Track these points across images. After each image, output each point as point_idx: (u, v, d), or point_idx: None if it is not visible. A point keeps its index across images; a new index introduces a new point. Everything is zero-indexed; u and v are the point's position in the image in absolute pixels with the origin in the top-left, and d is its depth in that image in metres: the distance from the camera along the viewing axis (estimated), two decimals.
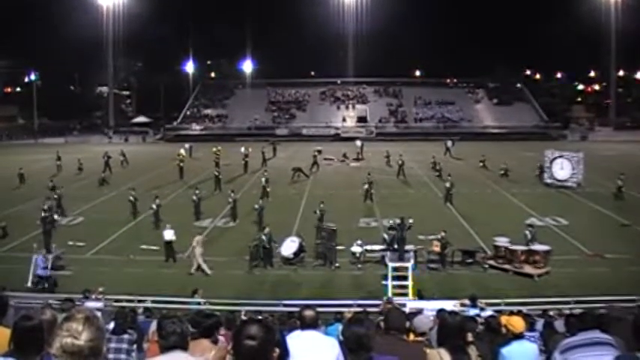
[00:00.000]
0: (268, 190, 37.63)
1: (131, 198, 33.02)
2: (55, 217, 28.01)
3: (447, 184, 37.09)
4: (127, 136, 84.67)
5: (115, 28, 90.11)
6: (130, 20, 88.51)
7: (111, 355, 8.13)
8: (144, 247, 27.49)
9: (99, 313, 3.45)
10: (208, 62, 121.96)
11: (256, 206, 31.14)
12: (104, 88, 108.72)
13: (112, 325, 9.09)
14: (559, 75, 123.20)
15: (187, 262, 25.52)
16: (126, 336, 8.78)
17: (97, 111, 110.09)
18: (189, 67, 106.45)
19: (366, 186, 37.37)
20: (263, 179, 38.75)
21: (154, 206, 31.24)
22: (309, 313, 5.55)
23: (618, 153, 61.51)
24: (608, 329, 6.17)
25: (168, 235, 26.10)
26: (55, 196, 33.62)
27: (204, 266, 24.65)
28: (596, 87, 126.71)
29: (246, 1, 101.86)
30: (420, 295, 20.48)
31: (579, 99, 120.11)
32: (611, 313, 8.16)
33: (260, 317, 11.06)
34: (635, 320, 4.74)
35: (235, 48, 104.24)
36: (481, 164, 50.86)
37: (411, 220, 24.82)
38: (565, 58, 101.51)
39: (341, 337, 5.03)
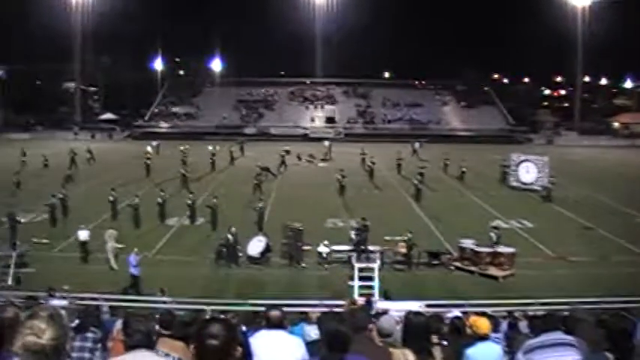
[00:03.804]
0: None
1: (111, 198, 32.27)
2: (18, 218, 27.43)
3: (415, 182, 37.92)
4: (93, 133, 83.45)
5: (84, 23, 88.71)
6: (99, 16, 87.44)
7: (74, 354, 8.00)
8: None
9: (63, 311, 3.40)
10: (177, 60, 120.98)
11: (210, 204, 31.03)
12: (71, 84, 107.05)
13: (75, 324, 8.95)
14: (526, 79, 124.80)
15: (154, 260, 25.46)
16: (90, 334, 8.64)
17: (63, 107, 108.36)
18: (158, 65, 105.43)
19: (339, 180, 39.55)
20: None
21: (131, 204, 30.96)
22: (275, 313, 5.55)
23: (583, 157, 62.55)
24: (572, 330, 6.26)
25: (83, 235, 25.90)
26: (61, 196, 32.73)
27: (113, 261, 24.77)
28: (562, 92, 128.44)
29: None
30: (386, 296, 20.57)
31: (545, 103, 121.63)
32: (574, 315, 8.26)
33: (222, 316, 11.03)
34: (604, 322, 4.81)
35: (204, 46, 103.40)
36: (444, 165, 50.96)
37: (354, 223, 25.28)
38: (532, 62, 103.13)
39: (312, 336, 5.03)
